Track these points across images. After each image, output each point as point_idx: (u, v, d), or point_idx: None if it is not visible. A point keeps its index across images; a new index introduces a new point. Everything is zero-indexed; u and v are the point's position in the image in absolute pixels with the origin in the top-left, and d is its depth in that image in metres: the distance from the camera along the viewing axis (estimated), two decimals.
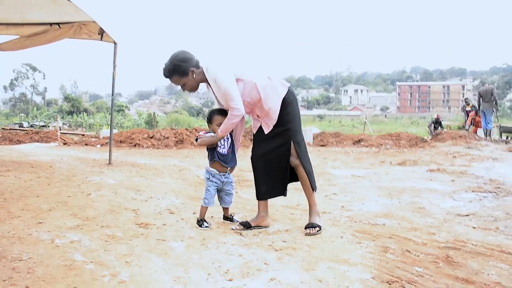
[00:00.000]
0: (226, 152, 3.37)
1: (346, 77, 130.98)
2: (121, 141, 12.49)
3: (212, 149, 3.35)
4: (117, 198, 4.39)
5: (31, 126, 41.39)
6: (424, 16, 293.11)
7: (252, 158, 3.42)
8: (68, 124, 48.56)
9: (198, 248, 2.75)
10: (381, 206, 4.03)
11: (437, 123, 16.75)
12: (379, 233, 3.07)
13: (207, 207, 3.38)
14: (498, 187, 4.93)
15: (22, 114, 54.73)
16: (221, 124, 3.31)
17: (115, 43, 7.31)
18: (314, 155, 9.46)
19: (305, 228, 3.15)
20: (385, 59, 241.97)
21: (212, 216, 3.59)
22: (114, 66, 7.38)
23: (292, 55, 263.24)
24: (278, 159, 3.33)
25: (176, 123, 43.99)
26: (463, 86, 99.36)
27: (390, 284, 2.16)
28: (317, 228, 3.11)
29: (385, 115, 74.67)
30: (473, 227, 3.26)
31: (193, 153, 9.81)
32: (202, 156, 8.81)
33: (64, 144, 13.15)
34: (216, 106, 3.53)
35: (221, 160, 3.34)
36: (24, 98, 66.00)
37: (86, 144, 12.77)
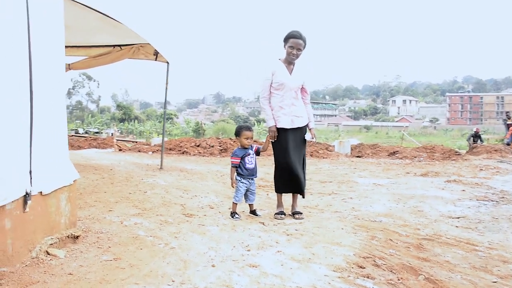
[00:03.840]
0: (253, 167, 4.23)
1: (394, 87, 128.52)
2: (170, 149, 13.66)
3: (241, 165, 4.19)
4: (168, 195, 5.36)
5: (86, 132, 44.12)
6: (478, 23, 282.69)
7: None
8: (120, 131, 51.30)
9: (228, 231, 3.63)
10: (386, 208, 4.74)
11: (476, 136, 16.85)
12: (374, 227, 3.82)
13: (237, 203, 4.26)
14: (503, 197, 5.46)
15: (78, 121, 58.19)
16: (248, 138, 4.18)
17: (167, 63, 8.40)
18: (347, 165, 10.13)
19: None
20: (436, 69, 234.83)
21: (243, 211, 4.45)
22: (167, 83, 8.47)
23: (340, 63, 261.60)
24: None
25: (223, 132, 45.47)
26: None
27: (365, 258, 2.93)
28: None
29: (434, 127, 72.93)
30: (456, 226, 3.92)
31: None
32: None
33: (120, 150, 14.53)
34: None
35: (248, 172, 4.19)
36: (80, 106, 70.27)
37: (139, 151, 14.07)
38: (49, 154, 2.74)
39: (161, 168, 8.46)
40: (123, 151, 14.25)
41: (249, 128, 4.25)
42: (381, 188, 6.26)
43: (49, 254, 2.63)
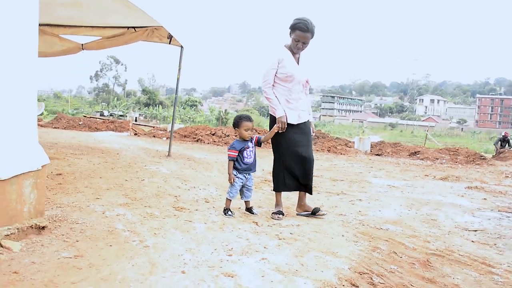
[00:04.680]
0: (251, 161, 3.89)
1: (423, 85, 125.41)
2: (185, 136, 13.44)
3: (239, 159, 3.85)
4: (165, 185, 5.08)
5: (111, 115, 44.59)
6: None
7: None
8: (144, 115, 51.65)
9: (215, 230, 3.30)
10: (396, 214, 4.33)
11: (504, 141, 16.01)
12: (378, 236, 3.43)
13: (231, 200, 3.92)
14: None
15: (104, 103, 58.91)
16: (248, 129, 3.83)
17: (181, 47, 8.10)
18: (363, 163, 9.68)
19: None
20: (467, 69, 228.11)
21: (239, 208, 4.12)
22: (179, 69, 8.18)
23: (369, 59, 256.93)
24: None
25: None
26: None
27: (360, 274, 2.55)
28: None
29: (462, 129, 70.82)
30: (472, 241, 3.49)
31: None
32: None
33: (135, 134, 14.40)
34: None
35: (246, 167, 3.85)
36: (106, 88, 71.15)
37: (154, 136, 13.91)
38: (9, 137, 2.46)
39: (168, 155, 8.21)
40: (138, 136, 14.12)
41: (249, 119, 3.89)
42: (394, 191, 5.83)
43: (1, 247, 2.36)
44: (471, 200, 5.35)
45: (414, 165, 10.04)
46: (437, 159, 11.36)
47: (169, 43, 7.99)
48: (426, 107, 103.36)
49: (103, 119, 18.52)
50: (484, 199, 5.50)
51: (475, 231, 3.85)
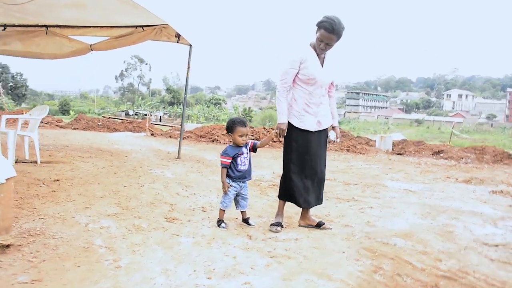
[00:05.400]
0: (246, 169, 3.60)
1: (450, 80, 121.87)
2: (201, 136, 13.25)
3: (232, 166, 3.57)
4: (164, 192, 4.85)
5: (135, 114, 45.07)
6: None
7: None
8: (168, 114, 52.04)
9: (202, 246, 3.02)
10: (408, 225, 3.95)
11: None
12: (384, 253, 3.08)
13: (224, 210, 3.64)
14: None
15: (129, 103, 59.70)
16: (243, 135, 3.53)
17: (190, 45, 7.88)
18: (382, 164, 9.24)
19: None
20: (497, 62, 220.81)
21: (236, 218, 3.84)
22: (188, 68, 7.96)
23: (394, 54, 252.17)
24: None
25: (270, 119, 44.88)
26: None
27: None
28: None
29: (491, 124, 68.45)
30: (491, 259, 3.10)
31: (262, 152, 10.04)
32: (268, 157, 9.09)
33: (151, 135, 14.30)
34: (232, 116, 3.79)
35: (239, 175, 3.56)
36: (131, 88, 72.04)
37: (170, 136, 13.77)
38: None
39: (178, 157, 8.00)
40: (154, 136, 14.01)
41: (243, 123, 3.58)
42: (411, 196, 5.43)
43: None
44: (494, 207, 4.90)
45: (436, 165, 9.52)
46: (462, 158, 10.77)
47: (177, 42, 7.78)
48: (453, 102, 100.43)
49: (122, 119, 18.53)
50: (510, 206, 5.04)
51: (496, 245, 3.45)
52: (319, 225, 3.68)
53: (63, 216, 3.52)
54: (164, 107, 59.04)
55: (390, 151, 12.58)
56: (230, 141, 3.67)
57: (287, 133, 3.60)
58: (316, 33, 3.48)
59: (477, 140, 35.15)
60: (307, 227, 3.70)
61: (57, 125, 16.37)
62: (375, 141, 13.56)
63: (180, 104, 59.55)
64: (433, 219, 4.21)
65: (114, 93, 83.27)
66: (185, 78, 8.21)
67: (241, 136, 3.54)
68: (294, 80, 3.60)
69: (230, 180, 3.59)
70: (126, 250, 2.81)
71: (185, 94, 8.37)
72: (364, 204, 4.80)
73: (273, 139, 3.73)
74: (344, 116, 75.45)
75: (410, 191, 5.81)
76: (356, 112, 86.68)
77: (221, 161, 3.58)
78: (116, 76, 73.26)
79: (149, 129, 14.83)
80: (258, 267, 2.67)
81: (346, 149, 11.98)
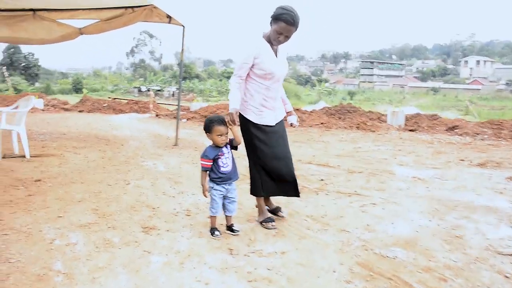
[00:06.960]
0: (230, 170, 3.26)
1: (468, 46, 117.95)
2: (205, 116, 12.86)
3: (214, 169, 3.23)
4: (149, 191, 4.54)
5: (148, 90, 44.79)
6: None
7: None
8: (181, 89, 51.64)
9: (173, 267, 2.69)
10: (412, 228, 3.55)
11: None
12: (381, 271, 2.70)
13: (215, 216, 3.33)
14: None
15: (141, 79, 59.39)
16: (222, 135, 3.17)
17: (183, 26, 7.43)
18: (392, 144, 8.76)
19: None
20: None
21: (221, 224, 3.51)
22: (182, 50, 7.53)
23: (409, 21, 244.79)
24: None
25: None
26: None
27: None
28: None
29: (511, 90, 66.41)
30: (506, 276, 2.70)
31: None
32: None
33: (156, 115, 13.99)
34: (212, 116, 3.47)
35: (224, 177, 3.23)
36: (142, 64, 71.49)
37: (175, 117, 13.43)
38: None
39: (175, 144, 7.67)
40: (159, 117, 13.70)
41: (222, 122, 3.20)
42: (419, 187, 5.01)
43: None
44: (511, 199, 4.45)
45: (451, 143, 9.02)
46: (478, 134, 10.21)
47: (169, 23, 7.34)
48: (471, 69, 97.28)
49: (127, 100, 18.24)
50: None
51: (511, 255, 3.05)
52: (274, 212, 3.73)
53: (30, 229, 3.23)
54: (176, 82, 58.58)
55: (403, 127, 12.04)
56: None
57: (246, 131, 3.47)
58: (272, 24, 3.30)
59: (496, 107, 34.02)
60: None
61: (62, 108, 16.19)
62: (386, 115, 13.01)
63: (192, 79, 59.00)
64: (441, 219, 3.80)
65: (127, 69, 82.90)
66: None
67: (220, 135, 3.17)
68: (248, 74, 3.40)
69: (215, 184, 3.24)
70: (85, 278, 2.50)
71: (180, 78, 7.97)
72: (366, 200, 4.41)
73: (251, 135, 3.49)
74: (359, 86, 74.00)
75: (419, 179, 5.39)
76: (371, 82, 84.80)
77: (201, 164, 3.23)
78: (127, 52, 72.76)
79: (153, 110, 14.51)
80: None
81: (356, 127, 11.51)
